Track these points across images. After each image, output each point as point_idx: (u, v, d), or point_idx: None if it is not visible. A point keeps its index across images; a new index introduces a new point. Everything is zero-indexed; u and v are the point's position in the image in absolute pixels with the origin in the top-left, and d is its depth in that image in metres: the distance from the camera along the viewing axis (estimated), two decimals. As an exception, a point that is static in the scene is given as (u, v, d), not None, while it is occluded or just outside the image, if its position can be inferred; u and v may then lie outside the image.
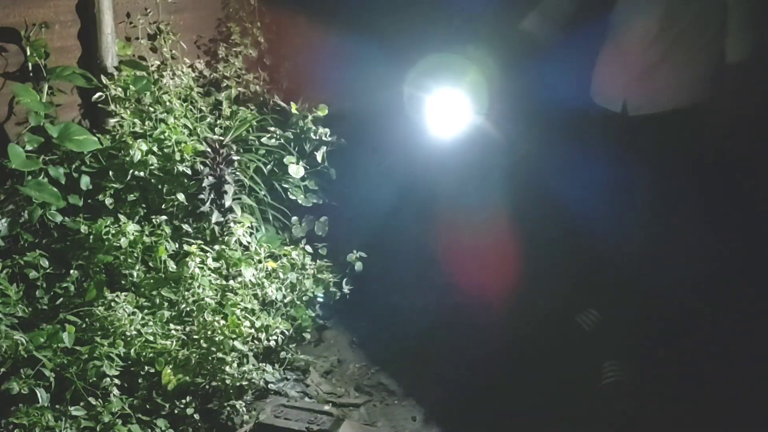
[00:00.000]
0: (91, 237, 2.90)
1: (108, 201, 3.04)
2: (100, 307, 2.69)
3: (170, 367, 2.67)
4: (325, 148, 3.75)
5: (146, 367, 2.68)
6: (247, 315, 2.93)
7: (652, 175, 2.94)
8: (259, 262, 3.17)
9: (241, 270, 3.06)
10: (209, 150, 3.19)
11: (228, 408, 2.74)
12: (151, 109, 3.28)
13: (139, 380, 2.67)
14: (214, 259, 3.05)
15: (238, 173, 3.32)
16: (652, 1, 2.84)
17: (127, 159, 3.09)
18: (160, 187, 3.18)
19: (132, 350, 2.66)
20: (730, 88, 2.81)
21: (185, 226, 3.16)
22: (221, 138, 3.32)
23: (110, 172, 3.09)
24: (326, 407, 2.85)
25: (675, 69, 2.86)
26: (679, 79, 2.87)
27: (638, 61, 2.90)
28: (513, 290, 3.31)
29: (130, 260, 2.90)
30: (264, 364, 2.94)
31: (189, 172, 3.22)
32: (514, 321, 3.30)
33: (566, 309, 3.36)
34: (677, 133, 2.89)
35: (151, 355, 2.70)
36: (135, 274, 2.91)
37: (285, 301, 3.17)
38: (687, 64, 2.85)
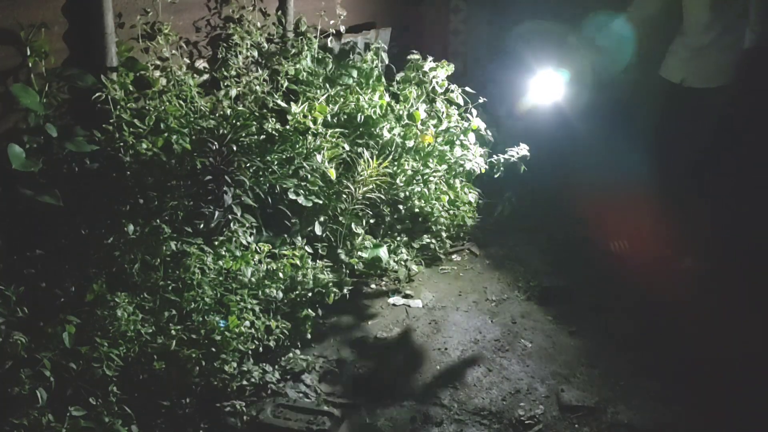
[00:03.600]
0: (91, 237, 2.90)
1: (108, 201, 3.04)
2: (99, 308, 2.69)
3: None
4: (326, 146, 3.75)
5: (146, 367, 2.68)
6: (246, 315, 2.93)
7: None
8: (259, 262, 3.17)
9: (241, 270, 3.06)
10: (209, 150, 3.19)
11: (228, 408, 2.74)
12: (151, 109, 3.28)
13: (139, 380, 2.67)
14: (214, 259, 3.05)
15: (237, 173, 3.32)
16: None
17: (127, 159, 3.09)
18: (159, 186, 3.18)
19: (132, 350, 2.66)
20: (745, 70, 3.61)
21: (185, 226, 3.16)
22: (221, 138, 3.32)
23: (110, 173, 3.09)
24: (326, 407, 2.85)
25: (722, 51, 3.69)
26: (725, 60, 3.68)
27: (694, 42, 3.79)
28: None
29: (129, 260, 2.90)
30: (264, 364, 2.94)
31: (189, 172, 3.22)
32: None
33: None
34: (718, 105, 3.77)
35: (150, 355, 2.69)
36: (135, 274, 2.91)
37: (285, 301, 3.17)
38: (731, 48, 3.65)
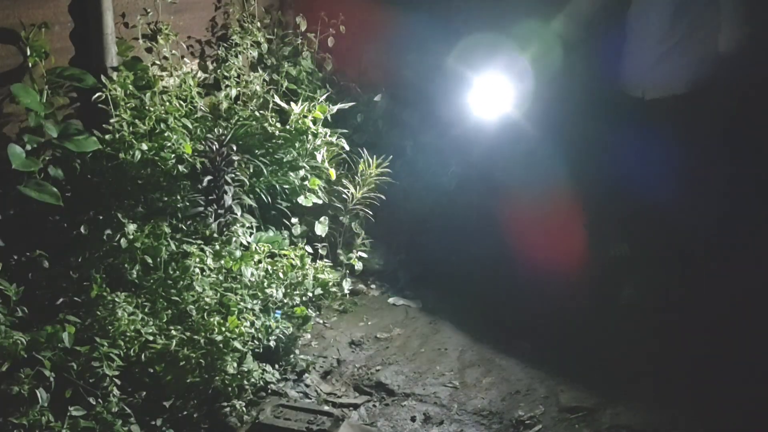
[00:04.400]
0: (91, 237, 2.91)
1: (108, 201, 3.04)
2: (99, 308, 2.69)
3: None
4: (325, 148, 3.76)
5: (146, 367, 2.68)
6: (247, 315, 2.93)
7: (666, 144, 3.42)
8: (259, 262, 3.17)
9: (241, 270, 3.06)
10: (209, 150, 3.20)
11: (228, 408, 2.74)
12: (151, 110, 3.28)
13: (139, 380, 2.67)
14: (214, 259, 3.05)
15: (237, 173, 3.32)
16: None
17: (127, 159, 3.10)
18: (160, 187, 3.18)
19: (132, 350, 2.66)
20: (722, 76, 3.30)
21: (185, 226, 3.16)
22: (221, 138, 3.32)
23: (110, 173, 3.10)
24: (326, 407, 2.85)
25: (684, 58, 3.36)
26: (688, 67, 3.36)
27: (654, 51, 3.42)
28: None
29: (129, 260, 2.90)
30: (264, 364, 2.94)
31: (189, 172, 3.23)
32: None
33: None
34: (685, 112, 3.40)
35: (151, 355, 2.70)
36: (135, 274, 2.91)
37: (285, 300, 3.17)
38: (694, 53, 3.34)
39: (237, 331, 2.81)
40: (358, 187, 3.78)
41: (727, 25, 3.26)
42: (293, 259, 3.28)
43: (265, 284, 3.11)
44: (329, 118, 3.90)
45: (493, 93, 3.88)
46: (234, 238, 3.18)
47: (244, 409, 2.73)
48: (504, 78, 3.80)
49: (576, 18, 3.66)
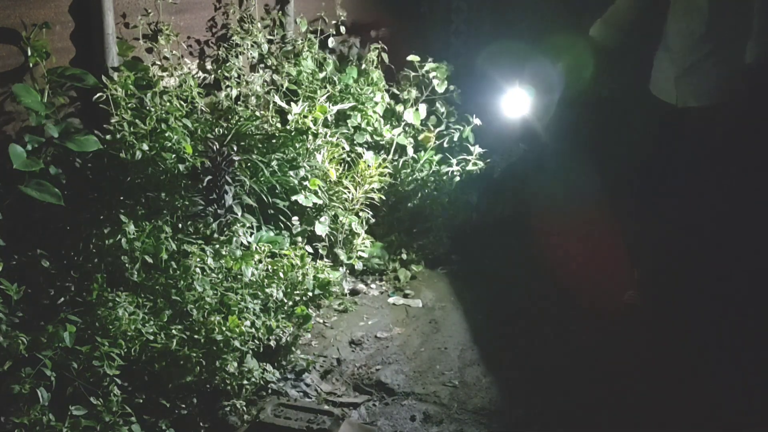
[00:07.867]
0: (92, 237, 2.91)
1: (108, 201, 3.04)
2: (100, 307, 2.70)
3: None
4: (325, 148, 3.76)
5: (147, 367, 2.69)
6: (247, 314, 2.94)
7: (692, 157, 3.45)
8: (260, 261, 3.18)
9: (241, 269, 3.07)
10: (210, 150, 3.20)
11: (228, 407, 2.75)
12: (152, 110, 3.29)
13: (140, 380, 2.68)
14: (215, 259, 3.06)
15: (238, 173, 3.32)
16: (700, 4, 3.27)
17: (128, 159, 3.10)
18: (160, 186, 3.19)
19: (132, 350, 2.67)
20: (744, 86, 3.25)
21: (186, 226, 3.17)
22: (221, 138, 3.33)
23: (111, 173, 3.10)
24: (326, 407, 2.86)
25: (717, 67, 3.31)
26: (721, 77, 3.31)
27: (684, 58, 3.38)
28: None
29: (130, 260, 2.91)
30: (264, 363, 2.95)
31: (189, 171, 3.23)
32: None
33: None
34: (716, 125, 3.37)
35: (151, 354, 2.70)
36: (135, 273, 2.91)
37: (285, 300, 3.18)
38: (728, 63, 3.28)
39: (237, 330, 2.81)
40: (358, 187, 3.79)
41: (760, 31, 3.17)
42: (293, 258, 3.29)
43: (266, 284, 3.11)
44: (329, 117, 3.91)
45: (524, 101, 3.87)
46: (234, 238, 3.19)
47: (244, 408, 2.74)
48: (536, 86, 3.82)
49: (615, 23, 3.61)
